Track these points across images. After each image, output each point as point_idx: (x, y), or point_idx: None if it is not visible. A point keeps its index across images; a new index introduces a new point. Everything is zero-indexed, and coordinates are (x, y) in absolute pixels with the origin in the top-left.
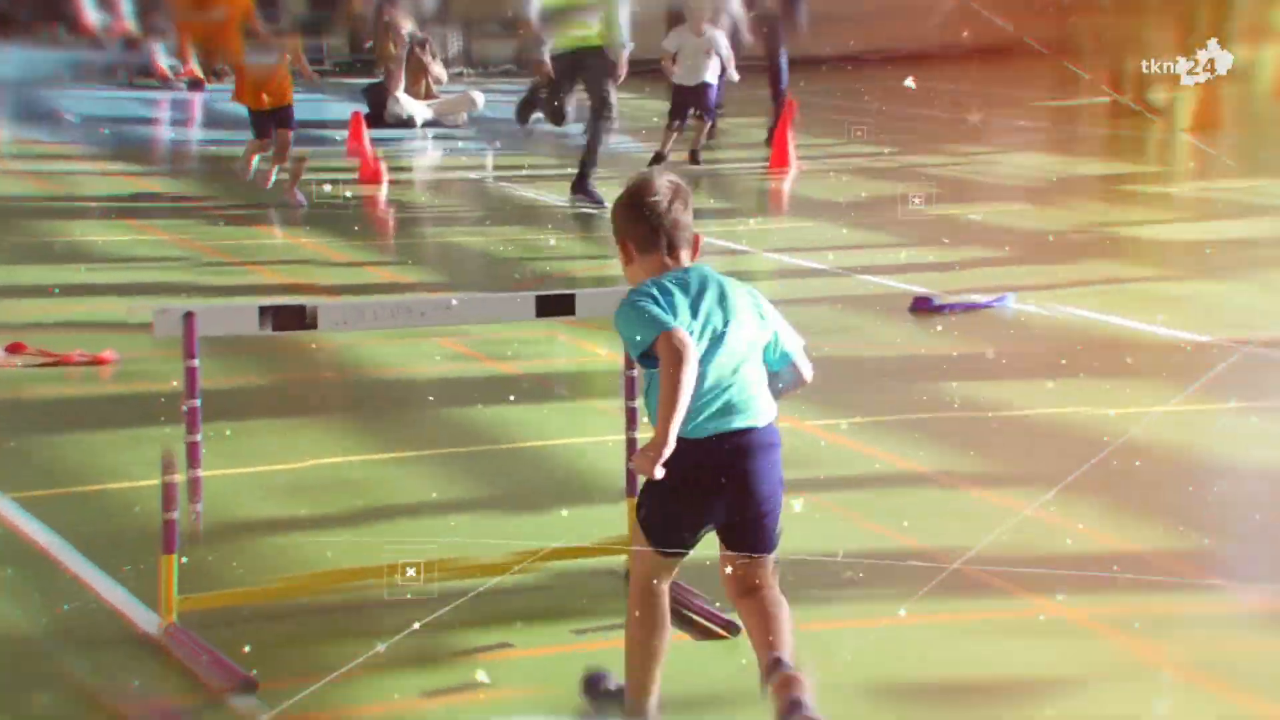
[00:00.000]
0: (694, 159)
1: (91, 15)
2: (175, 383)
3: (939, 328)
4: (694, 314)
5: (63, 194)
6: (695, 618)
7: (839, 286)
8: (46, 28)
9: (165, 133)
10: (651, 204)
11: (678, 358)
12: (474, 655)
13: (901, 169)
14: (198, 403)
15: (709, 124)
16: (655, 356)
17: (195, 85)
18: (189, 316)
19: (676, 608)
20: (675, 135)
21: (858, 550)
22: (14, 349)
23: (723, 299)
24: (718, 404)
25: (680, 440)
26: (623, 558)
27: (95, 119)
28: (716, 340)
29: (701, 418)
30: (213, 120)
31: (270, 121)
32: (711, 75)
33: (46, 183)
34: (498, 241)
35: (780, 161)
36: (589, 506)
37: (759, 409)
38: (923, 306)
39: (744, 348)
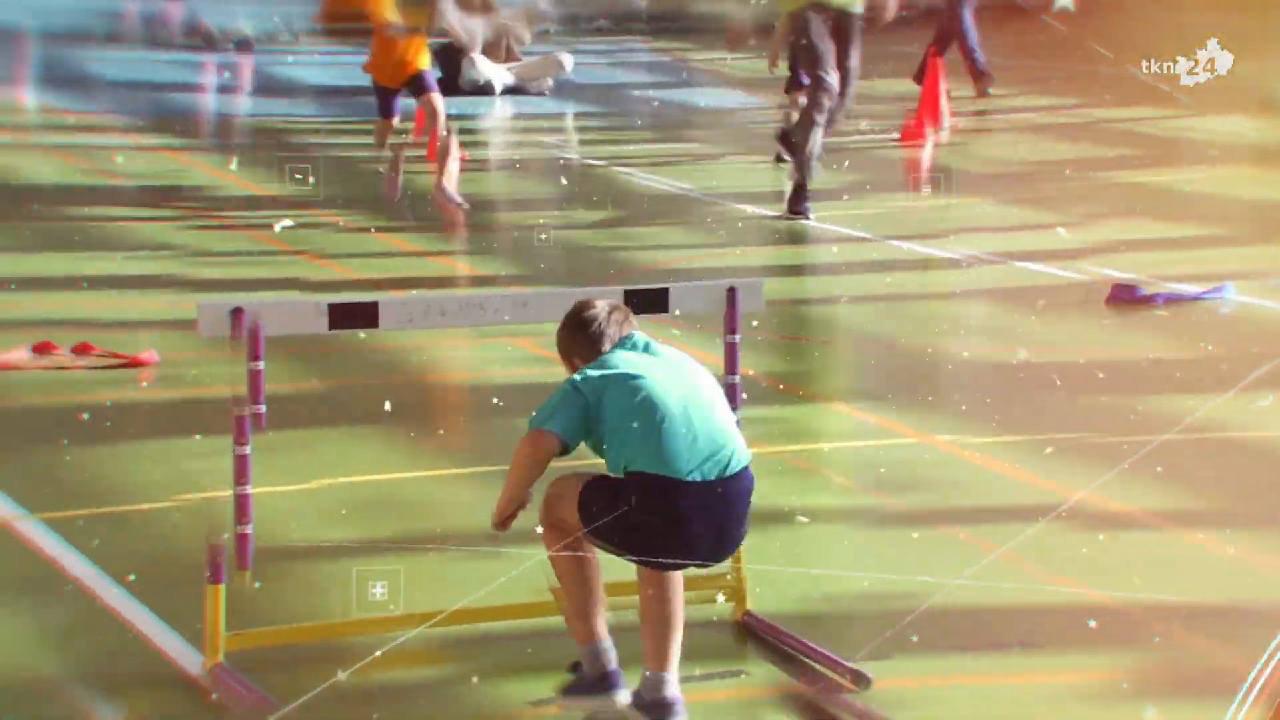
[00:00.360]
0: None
1: None
2: (207, 388)
3: (1138, 326)
4: (639, 358)
5: (95, 173)
6: (820, 668)
7: (999, 276)
8: None
9: (210, 101)
10: (588, 317)
11: (531, 454)
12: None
13: (1073, 129)
14: (249, 410)
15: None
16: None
17: (244, 45)
18: (237, 313)
19: (797, 657)
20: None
21: (1022, 602)
22: (42, 349)
23: (677, 359)
24: (704, 447)
25: (671, 481)
26: (730, 604)
27: (130, 85)
28: (673, 374)
29: (685, 455)
30: (264, 87)
31: (395, 98)
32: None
33: (76, 159)
34: (583, 228)
35: (923, 126)
36: None
37: (741, 451)
38: (1124, 297)
39: (706, 385)
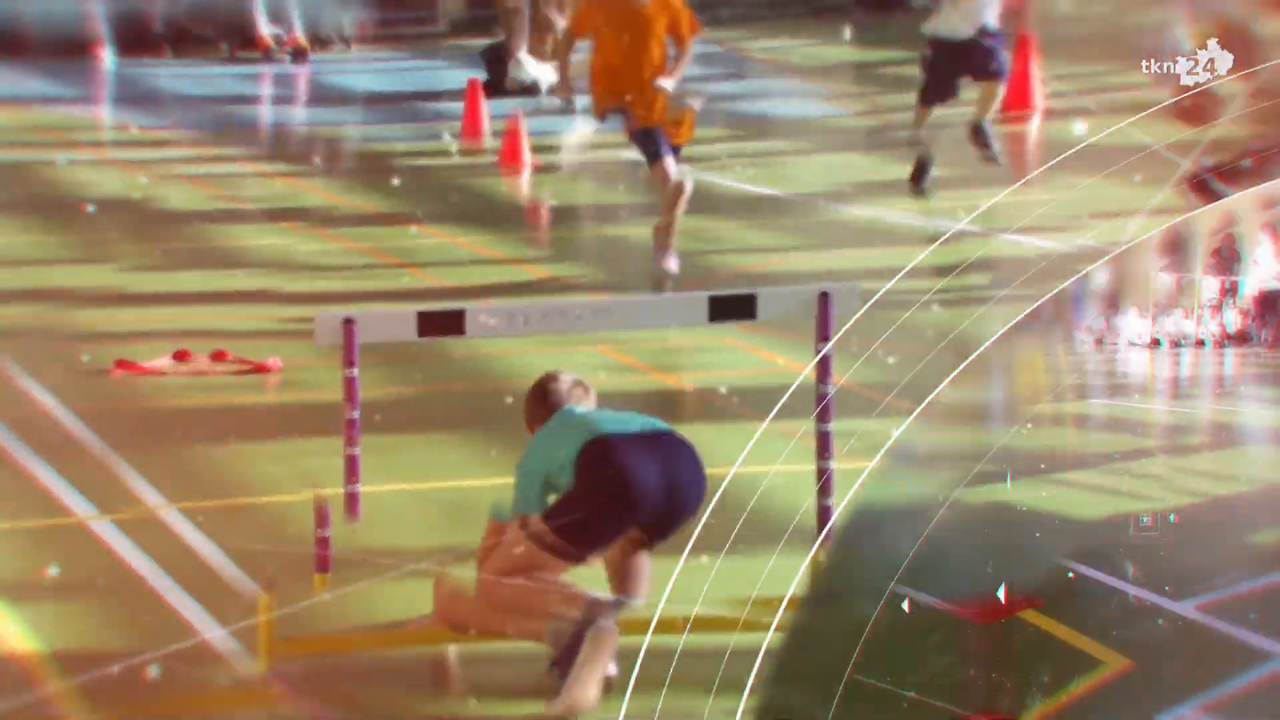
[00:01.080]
0: (979, 139)
1: None
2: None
3: None
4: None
5: (166, 189)
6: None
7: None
8: None
9: (270, 112)
10: (550, 390)
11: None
12: None
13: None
14: (356, 413)
15: (1001, 87)
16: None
17: (299, 56)
18: (348, 323)
19: None
20: (928, 115)
21: None
22: (181, 356)
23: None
24: (640, 423)
25: (610, 438)
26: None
27: (192, 98)
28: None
29: (622, 427)
30: (320, 97)
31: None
32: (992, 16)
33: (148, 176)
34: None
35: (1022, 101)
36: (769, 554)
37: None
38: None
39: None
